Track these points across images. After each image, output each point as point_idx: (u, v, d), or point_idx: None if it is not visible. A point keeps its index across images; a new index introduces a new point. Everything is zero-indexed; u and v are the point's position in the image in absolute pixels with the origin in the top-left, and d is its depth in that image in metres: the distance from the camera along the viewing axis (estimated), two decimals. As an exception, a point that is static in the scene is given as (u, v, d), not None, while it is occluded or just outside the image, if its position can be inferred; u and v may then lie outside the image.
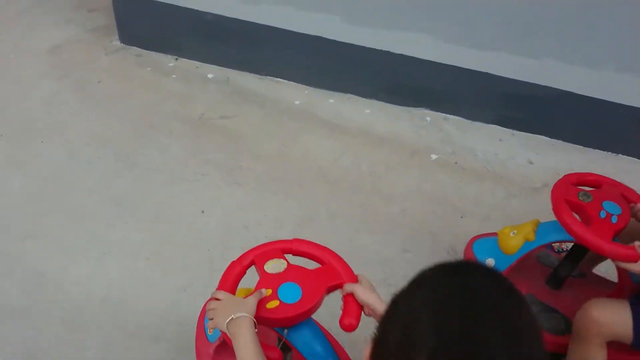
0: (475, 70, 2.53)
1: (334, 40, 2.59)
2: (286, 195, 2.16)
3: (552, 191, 1.44)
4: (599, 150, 2.59)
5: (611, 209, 1.38)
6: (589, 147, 2.60)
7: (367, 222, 2.08)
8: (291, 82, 2.79)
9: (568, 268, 1.60)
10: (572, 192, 1.42)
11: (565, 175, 1.51)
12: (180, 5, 2.66)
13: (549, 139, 2.63)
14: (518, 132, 2.66)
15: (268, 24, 2.62)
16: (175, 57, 2.89)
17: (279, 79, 2.81)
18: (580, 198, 1.41)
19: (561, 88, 2.47)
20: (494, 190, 2.29)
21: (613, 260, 1.32)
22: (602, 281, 1.71)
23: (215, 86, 2.72)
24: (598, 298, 1.38)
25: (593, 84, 2.42)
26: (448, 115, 2.71)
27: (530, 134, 2.64)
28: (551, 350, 1.49)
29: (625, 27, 2.23)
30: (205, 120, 2.50)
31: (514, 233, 1.52)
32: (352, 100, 2.74)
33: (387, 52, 2.56)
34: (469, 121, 2.69)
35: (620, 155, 2.59)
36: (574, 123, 2.57)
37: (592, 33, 2.28)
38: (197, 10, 2.65)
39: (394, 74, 2.66)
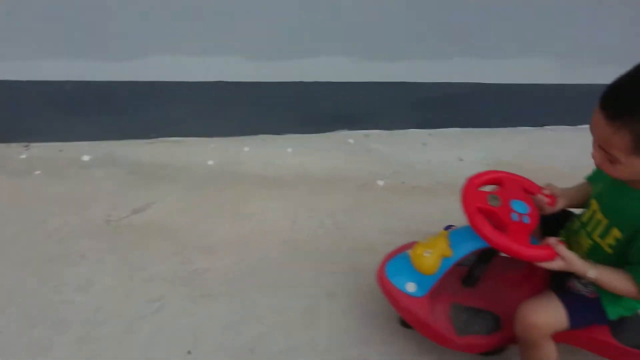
0: (387, 82, 2.42)
1: (237, 82, 2.21)
2: (271, 288, 1.81)
3: (464, 201, 1.38)
4: (505, 128, 2.76)
5: (520, 208, 1.39)
6: (496, 127, 2.75)
7: (374, 291, 1.86)
8: (190, 138, 2.33)
9: (483, 267, 1.60)
10: (481, 198, 1.38)
11: (467, 180, 1.45)
12: (24, 79, 1.96)
13: (461, 129, 2.70)
14: (433, 130, 2.67)
15: (153, 79, 2.10)
16: (25, 144, 2.16)
17: (175, 138, 2.32)
18: (491, 203, 1.38)
19: (468, 81, 2.52)
20: (452, 203, 2.25)
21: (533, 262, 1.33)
22: (510, 261, 1.66)
23: (102, 170, 2.12)
24: (527, 302, 1.40)
25: (496, 72, 2.52)
26: (367, 131, 2.57)
27: (444, 129, 2.68)
28: (488, 349, 1.55)
29: (519, 16, 2.34)
30: (117, 223, 1.93)
31: (428, 253, 1.46)
32: (268, 141, 2.41)
33: (298, 83, 2.29)
34: (389, 131, 2.60)
35: (520, 127, 2.80)
36: (479, 109, 2.67)
37: (491, 26, 2.34)
38: (51, 82, 1.99)
39: (306, 102, 2.40)
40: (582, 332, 1.44)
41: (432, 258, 1.44)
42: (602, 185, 1.36)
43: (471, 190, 1.41)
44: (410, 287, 1.46)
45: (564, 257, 1.27)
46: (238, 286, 1.79)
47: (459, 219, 2.17)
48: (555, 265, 1.28)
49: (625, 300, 1.37)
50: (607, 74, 1.10)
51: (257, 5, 2.02)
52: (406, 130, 2.62)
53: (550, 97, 2.67)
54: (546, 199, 1.43)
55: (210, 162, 2.24)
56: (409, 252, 1.50)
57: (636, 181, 1.25)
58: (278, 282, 1.83)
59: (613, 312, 1.38)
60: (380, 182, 2.31)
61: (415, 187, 2.31)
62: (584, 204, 1.45)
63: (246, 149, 2.34)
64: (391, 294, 1.48)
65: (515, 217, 1.35)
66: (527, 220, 1.35)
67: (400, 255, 1.54)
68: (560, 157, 2.57)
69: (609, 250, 1.33)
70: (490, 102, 2.63)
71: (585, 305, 1.39)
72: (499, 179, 1.48)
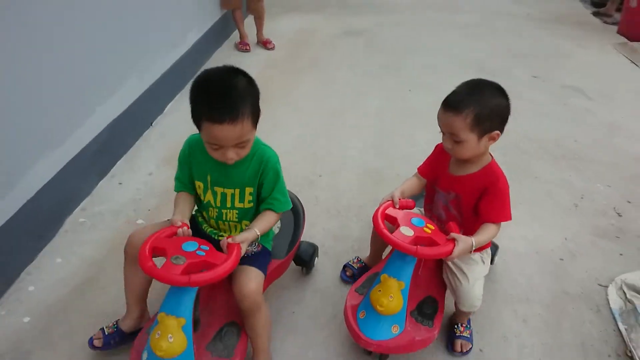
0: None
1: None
2: None
3: (163, 281, 1.47)
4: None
5: (191, 247, 1.57)
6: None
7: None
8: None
9: (196, 307, 1.72)
10: (170, 266, 1.49)
11: (145, 268, 1.49)
12: None
13: (123, 160, 3.22)
14: (115, 169, 3.10)
15: None
16: None
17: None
18: (178, 262, 1.51)
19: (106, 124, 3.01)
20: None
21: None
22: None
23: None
24: (238, 283, 1.70)
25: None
26: (81, 206, 2.78)
27: (112, 168, 3.14)
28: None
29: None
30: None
31: (170, 337, 1.50)
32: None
33: None
34: (90, 197, 2.87)
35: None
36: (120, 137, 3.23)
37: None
38: None
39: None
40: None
41: (176, 337, 1.51)
42: (210, 174, 1.76)
43: (152, 268, 1.48)
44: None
45: (242, 242, 1.60)
46: None
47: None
48: (242, 251, 1.60)
49: (269, 235, 1.95)
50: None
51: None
52: (100, 185, 2.97)
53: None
54: (183, 227, 1.64)
55: None
56: (157, 356, 1.51)
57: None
58: None
59: (269, 246, 1.95)
60: (141, 221, 2.72)
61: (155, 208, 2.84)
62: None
63: None
64: None
65: (201, 252, 1.56)
66: (205, 247, 1.59)
67: None
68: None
69: (251, 205, 1.81)
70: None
71: (262, 257, 1.87)
72: (156, 248, 1.56)
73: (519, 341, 2.18)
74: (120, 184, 3.02)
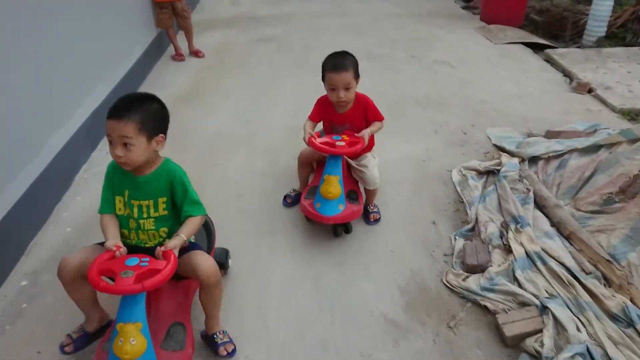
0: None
1: None
2: None
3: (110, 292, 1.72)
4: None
5: (133, 261, 1.80)
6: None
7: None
8: None
9: None
10: (120, 279, 1.70)
11: (93, 278, 1.73)
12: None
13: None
14: (100, 145, 4.09)
15: None
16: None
17: None
18: (127, 275, 1.72)
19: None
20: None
21: None
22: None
23: None
24: (199, 267, 1.97)
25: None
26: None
27: (103, 141, 4.14)
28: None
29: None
30: None
31: (133, 340, 1.70)
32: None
33: None
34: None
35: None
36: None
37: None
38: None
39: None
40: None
41: (138, 339, 1.71)
42: (127, 190, 2.01)
43: (107, 286, 1.70)
44: None
45: (174, 247, 1.84)
46: None
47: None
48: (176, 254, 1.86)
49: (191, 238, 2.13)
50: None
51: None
52: (93, 155, 3.97)
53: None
54: (118, 249, 1.87)
55: None
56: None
57: (142, 168, 1.94)
58: None
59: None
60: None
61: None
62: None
63: None
64: None
65: (144, 263, 1.79)
66: (146, 259, 1.81)
67: None
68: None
69: (166, 212, 2.03)
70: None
71: (195, 246, 2.14)
72: (103, 271, 1.77)
73: (394, 203, 3.46)
74: (107, 153, 4.01)
